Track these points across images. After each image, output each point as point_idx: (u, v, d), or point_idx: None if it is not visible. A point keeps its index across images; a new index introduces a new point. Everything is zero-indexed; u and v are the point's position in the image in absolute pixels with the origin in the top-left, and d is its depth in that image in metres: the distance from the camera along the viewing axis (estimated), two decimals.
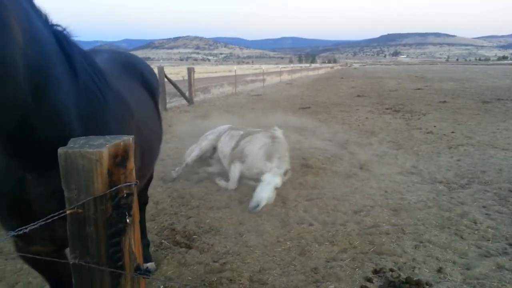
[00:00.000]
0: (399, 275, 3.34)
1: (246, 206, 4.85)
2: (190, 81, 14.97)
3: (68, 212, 1.34)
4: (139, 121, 2.18)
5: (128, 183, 1.41)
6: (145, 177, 2.69)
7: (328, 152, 7.45)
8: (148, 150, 2.42)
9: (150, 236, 4.01)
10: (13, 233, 1.40)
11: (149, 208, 4.63)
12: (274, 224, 4.37)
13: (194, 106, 14.78)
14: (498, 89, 20.48)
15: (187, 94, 15.07)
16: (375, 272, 3.42)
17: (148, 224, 4.15)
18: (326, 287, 3.21)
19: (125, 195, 1.40)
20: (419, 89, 21.98)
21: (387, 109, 13.18)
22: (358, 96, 18.09)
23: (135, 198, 1.46)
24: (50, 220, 1.36)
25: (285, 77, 33.07)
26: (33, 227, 1.33)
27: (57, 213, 1.36)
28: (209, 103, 15.62)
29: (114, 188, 1.34)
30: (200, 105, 15.15)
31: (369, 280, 3.31)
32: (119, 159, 1.35)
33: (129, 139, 1.40)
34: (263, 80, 25.39)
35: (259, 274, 3.42)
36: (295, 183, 5.71)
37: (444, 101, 15.42)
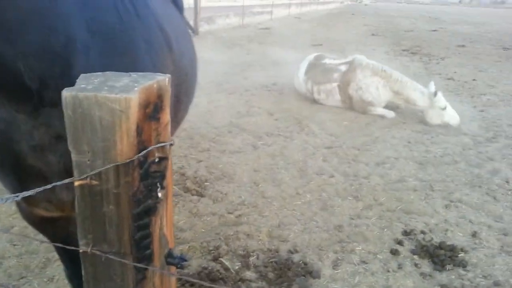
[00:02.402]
0: (431, 238, 3.08)
1: (261, 152, 4.52)
2: (196, 9, 13.98)
3: (77, 183, 0.96)
4: (178, 55, 1.72)
5: (162, 144, 1.02)
6: (179, 127, 2.25)
7: None
8: (187, 94, 1.98)
9: None
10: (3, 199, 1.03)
11: None
12: (292, 174, 4.06)
13: (199, 37, 13.94)
14: None
15: (192, 23, 14.15)
16: (405, 233, 3.16)
17: None
18: (353, 249, 2.97)
19: (157, 160, 1.01)
20: (434, 30, 20.87)
21: (404, 50, 12.45)
22: (373, 35, 17.14)
23: (170, 163, 1.07)
24: (49, 187, 0.99)
25: (294, 10, 31.39)
26: (26, 195, 0.96)
27: (59, 182, 0.99)
28: (215, 35, 14.74)
29: (144, 152, 0.95)
30: (205, 36, 14.29)
31: (399, 242, 3.06)
32: (150, 110, 0.94)
33: (164, 79, 0.98)
34: (271, 12, 24.01)
35: (279, 230, 3.16)
36: (310, 128, 5.33)
37: (463, 45, 14.61)
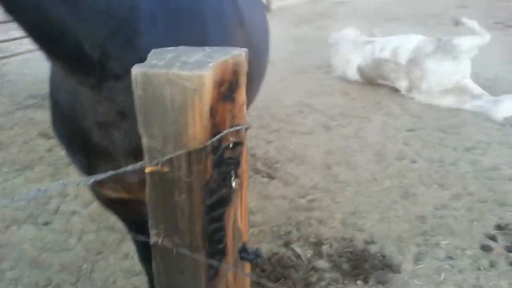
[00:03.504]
0: None
1: (334, 133, 4.30)
2: None
3: (147, 169, 0.87)
4: (250, 29, 1.59)
5: (237, 127, 0.89)
6: (248, 108, 2.14)
7: None
8: (258, 72, 1.85)
9: None
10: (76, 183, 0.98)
11: None
12: (368, 157, 3.80)
13: (271, 14, 13.70)
14: None
15: (264, 1, 13.94)
16: (499, 228, 2.81)
17: None
18: (438, 242, 2.69)
19: (231, 146, 0.89)
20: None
21: (496, 23, 11.20)
22: (461, 7, 15.63)
23: (245, 149, 0.95)
24: (121, 171, 0.91)
25: None
26: (98, 179, 0.89)
27: (129, 166, 0.90)
28: (288, 11, 14.40)
29: (218, 136, 0.83)
30: (277, 13, 14.02)
31: (492, 237, 2.72)
32: (225, 88, 0.82)
33: (241, 54, 0.84)
34: None
35: (353, 217, 2.97)
36: (390, 109, 4.95)
37: None
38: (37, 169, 3.81)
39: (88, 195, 3.28)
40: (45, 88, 5.45)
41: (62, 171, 3.74)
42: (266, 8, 13.67)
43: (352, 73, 5.95)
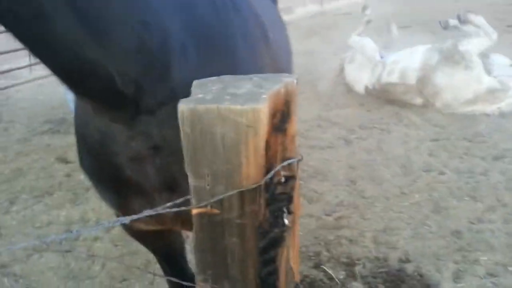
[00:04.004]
0: None
1: (356, 146, 4.19)
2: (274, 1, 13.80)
3: (194, 211, 0.79)
4: (276, 49, 1.53)
5: (290, 160, 0.82)
6: None
7: None
8: None
9: None
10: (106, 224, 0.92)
11: None
12: (394, 171, 3.68)
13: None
14: None
15: None
16: None
17: None
18: (477, 259, 2.56)
19: (283, 180, 0.82)
20: None
21: (508, 26, 11.05)
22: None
23: (297, 183, 0.87)
24: (160, 211, 0.84)
25: None
26: (134, 218, 0.82)
27: (170, 204, 0.83)
28: (294, 25, 14.43)
29: (271, 173, 0.75)
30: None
31: None
32: (277, 120, 0.75)
33: (293, 82, 0.78)
34: None
35: (385, 235, 2.85)
36: (410, 119, 4.83)
37: None
38: (56, 195, 3.77)
39: (109, 220, 3.22)
40: (60, 113, 5.46)
41: (81, 196, 3.70)
42: None
43: (360, 89, 5.81)
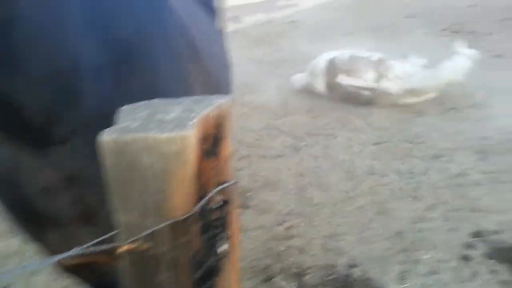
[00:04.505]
0: (507, 238, 2.72)
1: (304, 154, 4.26)
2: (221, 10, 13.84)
3: (124, 248, 0.75)
4: (209, 65, 1.50)
5: (224, 184, 0.80)
6: None
7: None
8: None
9: None
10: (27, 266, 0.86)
11: None
12: (340, 176, 3.77)
13: (227, 37, 13.77)
14: None
15: None
16: (476, 235, 2.82)
17: None
18: (419, 257, 2.67)
19: (218, 206, 0.80)
20: (473, 5, 19.69)
21: (443, 30, 11.75)
22: (407, 17, 16.33)
23: (234, 207, 0.86)
24: (88, 251, 0.80)
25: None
26: (61, 257, 0.77)
27: (104, 246, 0.79)
28: (243, 33, 14.54)
29: (204, 200, 0.73)
30: (233, 35, 14.12)
31: (470, 246, 2.72)
32: (209, 144, 0.73)
33: (226, 103, 0.76)
34: (297, 4, 23.53)
35: (333, 241, 2.90)
36: (353, 124, 4.99)
37: (508, 18, 13.61)
38: None
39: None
40: None
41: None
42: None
43: (320, 82, 6.09)
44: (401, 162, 3.91)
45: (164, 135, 0.65)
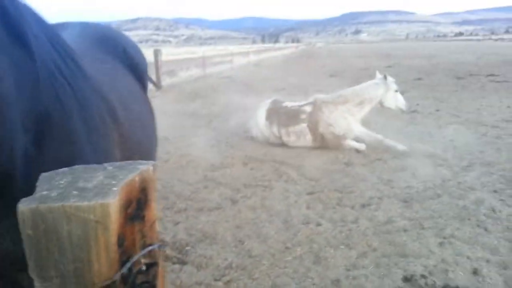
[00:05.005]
0: (434, 282, 2.91)
1: (241, 205, 4.30)
2: (157, 64, 14.02)
3: None
4: (127, 125, 1.53)
5: (150, 247, 0.81)
6: None
7: None
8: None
9: None
10: None
11: None
12: (277, 226, 3.84)
13: (162, 91, 13.87)
14: (466, 65, 20.67)
15: (154, 78, 14.12)
16: (406, 279, 2.97)
17: None
18: None
19: (144, 268, 0.81)
20: (389, 66, 21.89)
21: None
22: (331, 76, 17.72)
23: (161, 269, 0.86)
24: None
25: (253, 58, 32.27)
26: None
27: None
28: (179, 88, 14.75)
29: (128, 265, 0.74)
30: (169, 89, 14.25)
31: None
32: (133, 208, 0.75)
33: (148, 169, 0.79)
34: (231, 61, 24.54)
35: None
36: (288, 175, 5.18)
37: (419, 78, 15.29)
38: None
39: None
40: None
41: None
42: (157, 86, 13.85)
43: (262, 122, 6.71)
44: (334, 211, 4.09)
45: (84, 204, 0.65)
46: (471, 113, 8.63)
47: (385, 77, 6.47)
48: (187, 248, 3.52)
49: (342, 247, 3.42)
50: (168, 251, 3.46)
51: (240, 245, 3.54)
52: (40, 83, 1.08)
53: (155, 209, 0.82)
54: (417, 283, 2.92)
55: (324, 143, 6.30)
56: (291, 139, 6.43)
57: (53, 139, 1.08)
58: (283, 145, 6.50)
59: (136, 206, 0.75)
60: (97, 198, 0.66)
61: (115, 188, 0.68)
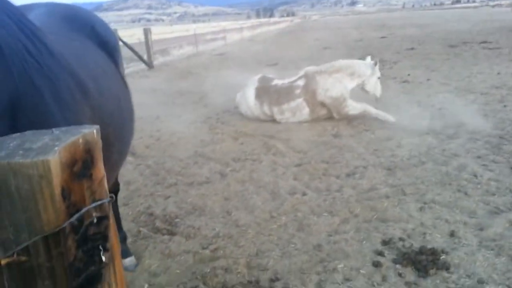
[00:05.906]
0: (411, 244, 3.04)
1: (230, 179, 4.41)
2: (147, 43, 13.93)
3: (3, 262, 0.82)
4: (98, 98, 1.61)
5: (99, 201, 0.90)
6: (118, 170, 2.14)
7: None
8: (118, 136, 1.86)
9: (125, 224, 3.51)
10: None
11: (120, 190, 4.09)
12: (264, 197, 3.96)
13: (154, 70, 13.84)
14: (460, 33, 20.50)
15: (145, 57, 14.05)
16: (384, 243, 3.10)
17: (121, 210, 3.63)
18: (335, 267, 2.87)
19: (95, 221, 0.90)
20: (383, 37, 21.71)
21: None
22: (325, 48, 17.61)
23: (112, 221, 0.95)
24: None
25: (246, 33, 31.93)
26: None
27: None
28: (171, 66, 14.69)
29: (76, 216, 0.83)
30: (161, 68, 14.22)
31: (380, 253, 2.99)
32: (79, 167, 0.83)
33: (92, 131, 0.87)
34: (224, 38, 24.31)
35: (257, 258, 3.03)
36: (277, 148, 5.28)
37: (412, 48, 15.21)
38: None
39: None
40: None
41: None
42: (149, 64, 13.81)
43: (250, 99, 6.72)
44: (319, 181, 4.20)
45: (27, 161, 0.75)
46: (461, 81, 8.66)
47: (375, 64, 6.55)
48: (176, 220, 3.65)
49: (325, 214, 3.55)
50: (158, 223, 3.59)
51: (228, 216, 3.67)
52: (9, 64, 1.14)
53: (102, 168, 0.90)
54: (395, 245, 3.05)
55: (323, 114, 6.38)
56: (285, 117, 6.43)
57: (27, 122, 1.15)
58: (274, 120, 6.57)
59: (82, 166, 0.83)
60: (40, 156, 0.74)
61: (56, 148, 0.76)
